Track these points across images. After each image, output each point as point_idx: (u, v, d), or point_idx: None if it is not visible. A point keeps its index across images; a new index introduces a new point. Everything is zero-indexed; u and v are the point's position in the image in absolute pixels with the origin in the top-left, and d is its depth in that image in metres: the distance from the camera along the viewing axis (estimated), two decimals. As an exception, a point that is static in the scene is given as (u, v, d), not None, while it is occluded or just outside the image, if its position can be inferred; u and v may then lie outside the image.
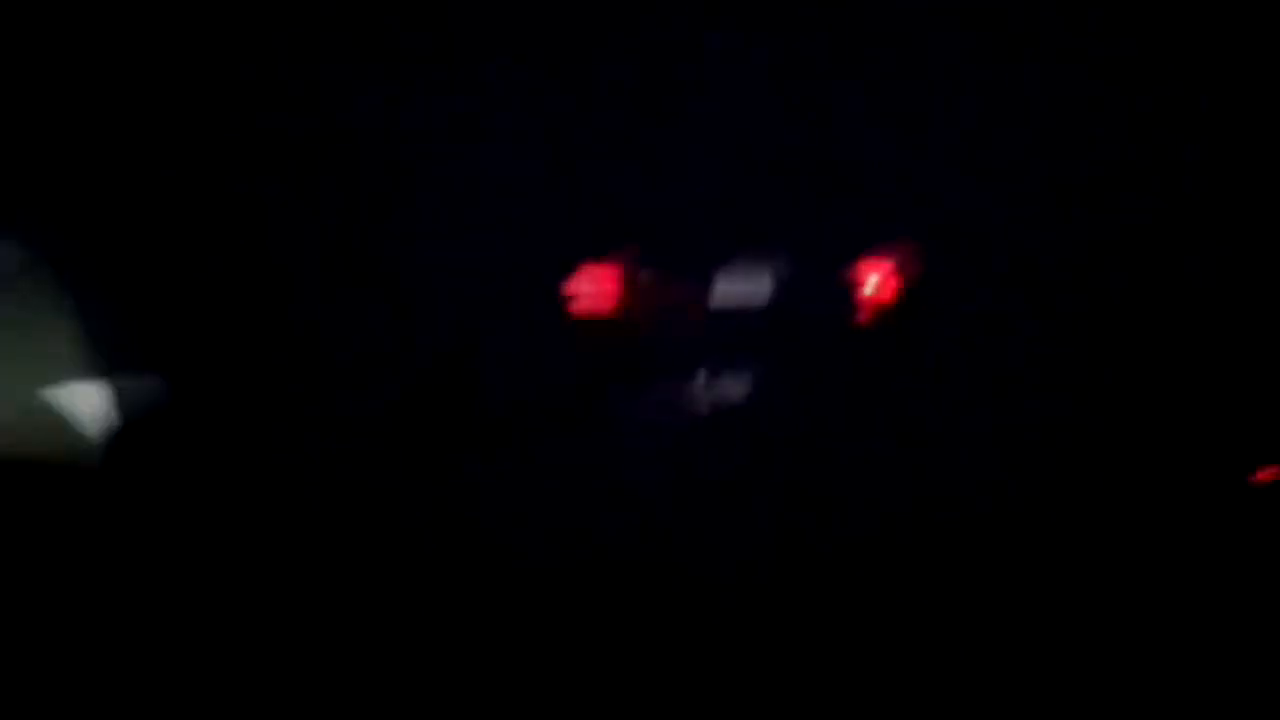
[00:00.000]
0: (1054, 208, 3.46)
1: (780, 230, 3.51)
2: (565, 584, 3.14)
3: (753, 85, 3.56)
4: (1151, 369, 3.42)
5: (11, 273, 3.38)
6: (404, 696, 2.96)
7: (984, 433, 3.36)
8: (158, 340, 3.47)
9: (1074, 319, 3.45)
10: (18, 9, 3.49)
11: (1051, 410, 3.37)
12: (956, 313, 3.46)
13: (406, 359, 3.50)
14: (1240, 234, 3.43)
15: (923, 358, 3.45)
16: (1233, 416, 3.37)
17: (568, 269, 3.53)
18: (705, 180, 3.53)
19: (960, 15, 3.49)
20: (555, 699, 2.94)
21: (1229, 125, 3.44)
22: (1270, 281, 3.42)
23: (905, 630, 3.07)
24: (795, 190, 3.51)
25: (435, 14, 3.58)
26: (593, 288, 3.46)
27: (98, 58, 3.50)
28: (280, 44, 3.59)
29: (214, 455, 3.46)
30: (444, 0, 3.60)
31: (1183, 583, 3.12)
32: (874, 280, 3.42)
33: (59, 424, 3.31)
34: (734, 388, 3.43)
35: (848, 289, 3.43)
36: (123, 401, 3.34)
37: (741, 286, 3.45)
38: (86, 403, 3.32)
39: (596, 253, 3.51)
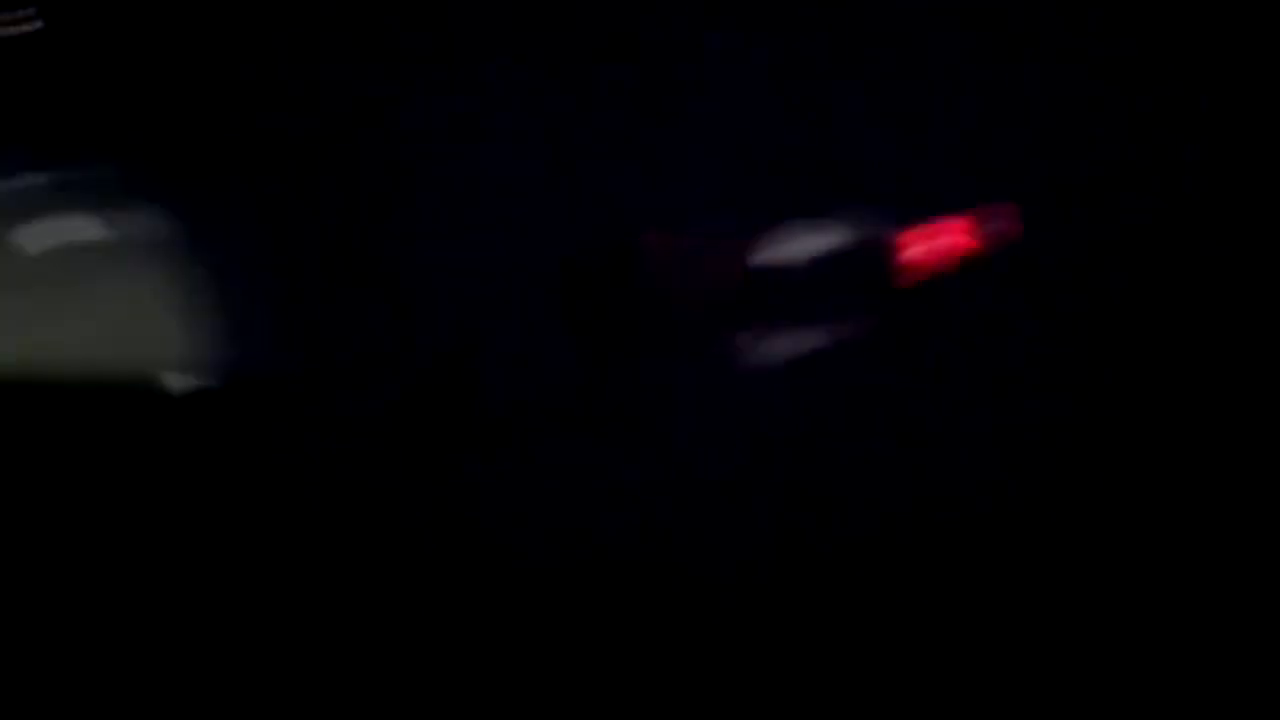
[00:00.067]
0: (1054, 208, 3.46)
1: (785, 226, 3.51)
2: (565, 584, 3.13)
3: (753, 85, 3.56)
4: (1151, 369, 3.42)
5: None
6: (404, 696, 2.96)
7: (984, 433, 3.36)
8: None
9: (1074, 319, 3.45)
10: None
11: (1051, 410, 3.37)
12: (955, 313, 3.46)
13: (406, 359, 3.50)
14: (1240, 234, 3.43)
15: (922, 357, 3.45)
16: (1233, 416, 3.37)
17: (568, 268, 3.53)
18: (707, 178, 3.54)
19: (960, 15, 3.49)
20: (555, 699, 2.94)
21: (1229, 125, 3.44)
22: (1270, 281, 3.42)
23: (905, 630, 3.07)
24: (796, 189, 3.51)
25: (435, 14, 3.58)
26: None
27: (95, 56, 3.50)
28: (280, 44, 3.59)
29: (214, 455, 3.46)
30: (444, 0, 3.60)
31: (1183, 583, 3.12)
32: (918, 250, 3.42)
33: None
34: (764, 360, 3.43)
35: (883, 266, 3.43)
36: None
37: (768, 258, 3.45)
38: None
39: (596, 252, 3.51)
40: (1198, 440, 3.36)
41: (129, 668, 2.98)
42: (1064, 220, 3.45)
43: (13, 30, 3.67)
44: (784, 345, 3.47)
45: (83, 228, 3.56)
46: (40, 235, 3.54)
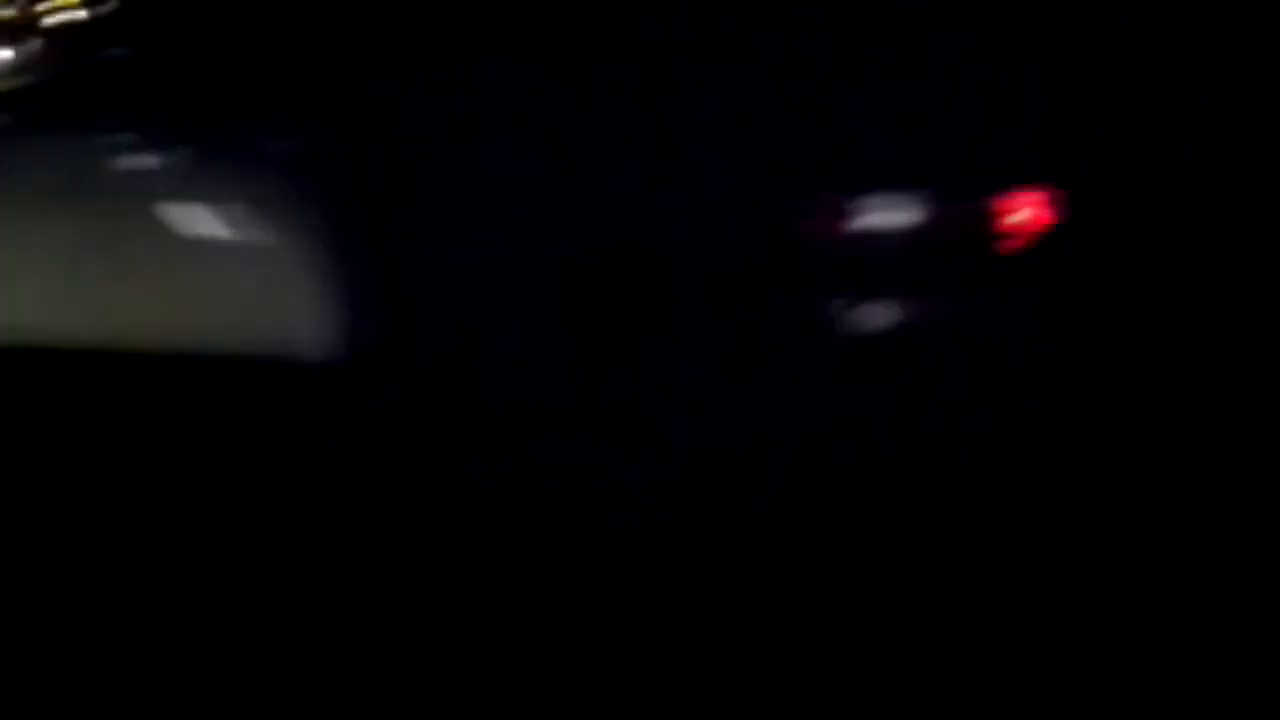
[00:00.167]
0: (1053, 207, 3.47)
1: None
2: (565, 584, 3.14)
3: (754, 84, 3.56)
4: (1152, 369, 3.42)
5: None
6: (404, 696, 2.97)
7: (984, 433, 3.36)
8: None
9: (1074, 319, 3.45)
10: None
11: (1051, 410, 3.37)
12: (954, 313, 3.47)
13: (407, 359, 3.50)
14: (1240, 234, 3.43)
15: (923, 357, 3.46)
16: (1233, 416, 3.38)
17: (569, 268, 3.54)
18: (710, 177, 3.54)
19: (961, 15, 3.50)
20: (556, 696, 2.95)
21: (1229, 125, 3.45)
22: (1271, 281, 3.42)
23: (905, 630, 3.07)
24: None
25: (435, 14, 3.58)
26: None
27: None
28: (280, 43, 3.59)
29: (216, 455, 3.47)
30: (444, 0, 3.60)
31: (1183, 583, 3.12)
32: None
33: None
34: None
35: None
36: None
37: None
38: None
39: (596, 252, 3.51)
40: (1198, 440, 3.36)
41: (128, 663, 2.99)
42: (1063, 219, 3.46)
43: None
44: (885, 311, 3.48)
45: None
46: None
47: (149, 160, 3.76)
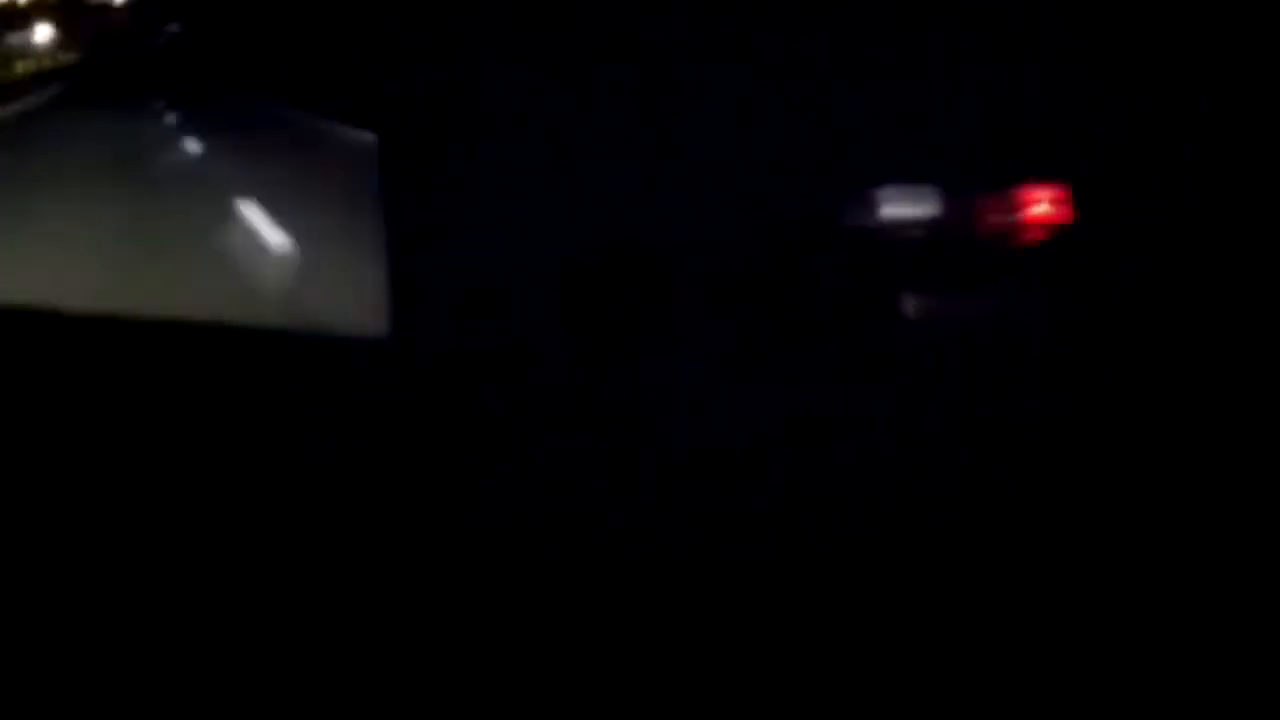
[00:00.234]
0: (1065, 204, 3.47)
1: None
2: (565, 583, 3.14)
3: (755, 83, 3.56)
4: (1152, 368, 3.42)
5: None
6: (404, 696, 2.97)
7: (984, 433, 3.36)
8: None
9: (1074, 318, 3.45)
10: None
11: (1051, 410, 3.37)
12: (955, 311, 3.46)
13: (408, 358, 3.50)
14: (1240, 234, 3.43)
15: (923, 357, 3.45)
16: (1233, 416, 3.37)
17: (569, 267, 3.54)
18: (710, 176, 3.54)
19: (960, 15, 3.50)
20: (555, 698, 2.94)
21: (1229, 125, 3.45)
22: (1271, 280, 3.42)
23: (905, 630, 3.07)
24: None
25: (434, 13, 3.58)
26: None
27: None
28: (281, 43, 3.59)
29: (215, 454, 3.47)
30: (444, 0, 3.60)
31: (1183, 582, 3.12)
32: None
33: None
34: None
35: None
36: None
37: None
38: None
39: (596, 252, 3.51)
40: (1198, 440, 3.36)
41: (126, 663, 2.98)
42: (1075, 217, 3.46)
43: None
44: (885, 311, 3.48)
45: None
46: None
47: (186, 137, 3.78)
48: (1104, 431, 3.37)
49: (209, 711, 2.87)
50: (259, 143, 3.68)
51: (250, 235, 3.62)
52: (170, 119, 3.70)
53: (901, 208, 3.50)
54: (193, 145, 3.77)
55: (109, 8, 3.96)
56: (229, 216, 3.62)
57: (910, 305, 3.50)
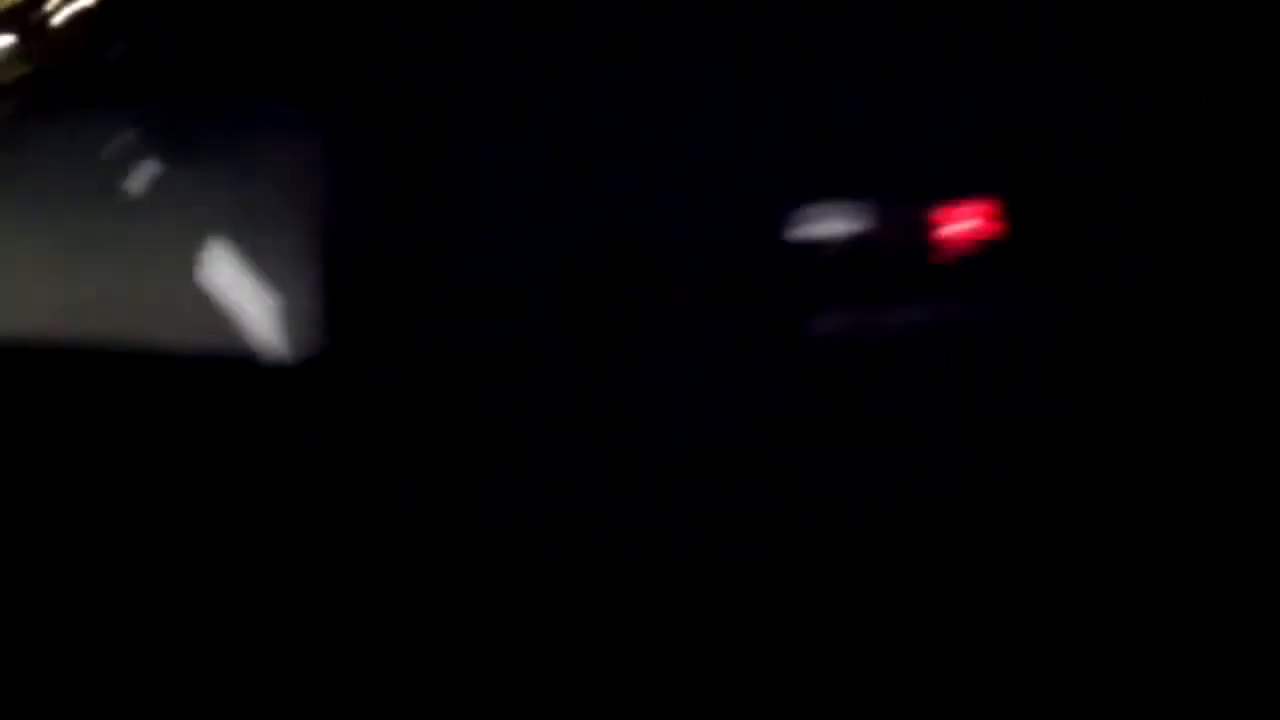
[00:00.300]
0: (1053, 206, 3.46)
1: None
2: (564, 584, 3.14)
3: (756, 84, 3.56)
4: (1152, 369, 3.42)
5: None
6: (404, 696, 2.96)
7: (984, 433, 3.36)
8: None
9: (1075, 319, 3.45)
10: None
11: (1052, 410, 3.37)
12: (954, 311, 3.46)
13: (406, 358, 3.50)
14: (1240, 233, 3.43)
15: (923, 356, 3.45)
16: (1233, 416, 3.37)
17: (569, 268, 3.54)
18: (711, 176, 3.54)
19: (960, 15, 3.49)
20: (555, 698, 2.94)
21: (1229, 125, 3.44)
22: (1271, 280, 3.42)
23: (906, 631, 3.07)
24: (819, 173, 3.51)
25: (435, 14, 3.58)
26: None
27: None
28: (281, 43, 3.59)
29: (216, 454, 3.47)
30: (444, 0, 3.60)
31: (1183, 582, 3.12)
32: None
33: None
34: None
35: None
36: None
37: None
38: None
39: (596, 252, 3.51)
40: (1198, 440, 3.35)
41: (127, 662, 2.98)
42: (1063, 220, 3.45)
43: None
44: (823, 324, 3.47)
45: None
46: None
47: (147, 152, 3.76)
48: (1104, 431, 3.37)
49: (209, 711, 2.87)
50: (226, 155, 3.64)
51: (216, 253, 3.60)
52: (130, 134, 3.65)
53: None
54: (154, 163, 3.74)
55: (71, 17, 3.93)
56: (195, 236, 3.60)
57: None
